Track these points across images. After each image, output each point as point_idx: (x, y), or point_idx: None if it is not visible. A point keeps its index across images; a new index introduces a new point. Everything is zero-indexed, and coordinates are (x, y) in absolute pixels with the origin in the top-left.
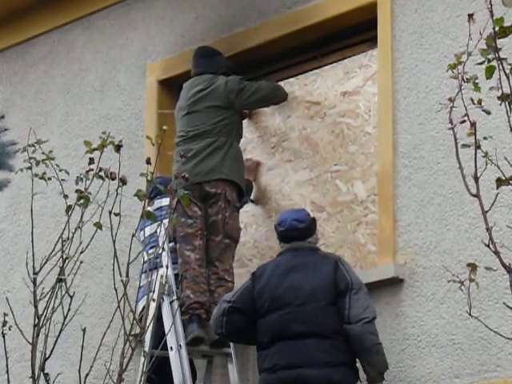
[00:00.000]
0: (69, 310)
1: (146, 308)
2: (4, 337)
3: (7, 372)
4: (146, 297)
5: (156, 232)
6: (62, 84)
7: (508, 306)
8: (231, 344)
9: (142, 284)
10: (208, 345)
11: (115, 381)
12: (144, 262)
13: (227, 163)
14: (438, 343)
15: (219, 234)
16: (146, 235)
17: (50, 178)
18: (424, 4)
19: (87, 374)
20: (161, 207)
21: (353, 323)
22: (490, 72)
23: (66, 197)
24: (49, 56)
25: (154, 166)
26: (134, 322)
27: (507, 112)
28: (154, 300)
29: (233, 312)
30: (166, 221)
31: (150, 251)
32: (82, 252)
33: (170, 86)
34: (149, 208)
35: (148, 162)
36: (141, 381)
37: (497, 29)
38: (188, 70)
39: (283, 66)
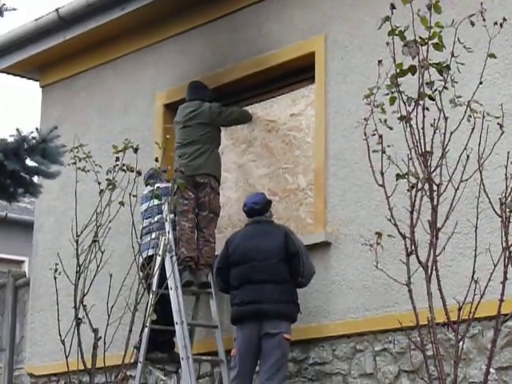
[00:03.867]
0: (100, 261)
1: (153, 260)
2: (56, 279)
3: (57, 303)
4: (146, 250)
5: (152, 210)
6: (97, 106)
7: (402, 262)
8: (212, 285)
9: (142, 242)
10: (196, 286)
11: (132, 310)
12: (142, 228)
13: (210, 162)
14: (355, 287)
15: (206, 210)
16: (142, 210)
17: (88, 170)
18: (347, 53)
19: (112, 306)
20: (162, 188)
21: (305, 277)
22: (392, 101)
23: (99, 183)
24: (88, 87)
25: (161, 163)
26: (144, 270)
27: (404, 128)
28: (159, 255)
29: (219, 271)
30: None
31: (146, 221)
32: (110, 221)
33: (172, 109)
34: (149, 188)
35: (156, 160)
36: (149, 310)
37: (398, 70)
38: (183, 98)
39: (250, 95)
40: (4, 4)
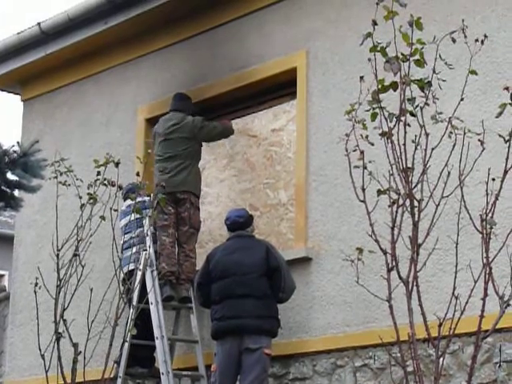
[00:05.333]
0: (81, 275)
1: (134, 274)
2: (36, 293)
3: (37, 318)
4: (127, 265)
5: (129, 224)
6: (79, 120)
7: (383, 277)
8: (193, 300)
9: (123, 256)
10: (177, 301)
11: (112, 324)
12: (123, 243)
13: (190, 179)
14: (335, 302)
15: (186, 225)
16: (121, 225)
17: (69, 184)
18: (328, 70)
19: (93, 320)
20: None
21: (286, 292)
22: (374, 117)
23: (80, 198)
24: (69, 101)
25: (142, 177)
26: (124, 284)
27: (385, 144)
28: (140, 270)
29: (200, 286)
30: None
31: (126, 236)
32: (91, 235)
33: (153, 123)
34: (129, 202)
35: (137, 174)
36: (129, 325)
37: (379, 86)
38: (165, 113)
39: (232, 110)
40: None
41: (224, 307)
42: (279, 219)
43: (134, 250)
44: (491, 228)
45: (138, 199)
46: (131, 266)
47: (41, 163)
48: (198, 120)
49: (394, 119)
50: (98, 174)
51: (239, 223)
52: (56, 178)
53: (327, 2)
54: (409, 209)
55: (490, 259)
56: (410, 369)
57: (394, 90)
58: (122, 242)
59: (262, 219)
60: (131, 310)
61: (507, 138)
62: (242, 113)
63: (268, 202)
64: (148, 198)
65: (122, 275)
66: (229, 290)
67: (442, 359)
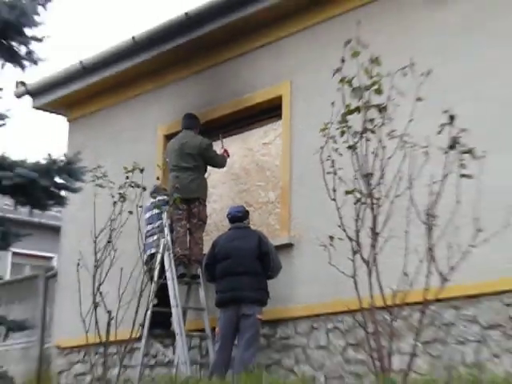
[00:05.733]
0: (113, 257)
1: (155, 257)
2: (78, 272)
3: (79, 291)
4: (150, 249)
5: (153, 217)
6: (111, 136)
7: (350, 259)
8: (201, 277)
9: (146, 242)
10: (188, 278)
11: (137, 296)
12: (146, 232)
13: (199, 188)
14: (312, 279)
15: (195, 219)
16: (146, 218)
17: (104, 186)
18: (308, 96)
19: (123, 293)
20: (162, 200)
21: (274, 271)
22: (342, 133)
23: (112, 197)
24: (104, 121)
25: (161, 181)
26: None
27: (351, 155)
28: (159, 253)
29: (207, 266)
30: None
31: (149, 226)
32: (121, 226)
33: (169, 138)
34: (152, 200)
35: (157, 178)
36: (151, 296)
37: (346, 110)
38: (179, 131)
39: (231, 128)
40: (36, 54)
41: (226, 282)
42: (268, 214)
43: (155, 237)
44: (433, 220)
45: (159, 198)
46: (153, 250)
47: (82, 170)
48: (204, 142)
49: (358, 135)
50: (126, 178)
51: (238, 217)
52: (94, 181)
53: (306, 43)
54: (369, 205)
55: (432, 244)
56: (370, 330)
57: (358, 113)
58: (145, 231)
59: (255, 214)
60: (153, 284)
61: (445, 150)
62: (239, 130)
63: (260, 200)
64: (166, 197)
65: (145, 257)
66: (229, 269)
67: (395, 322)
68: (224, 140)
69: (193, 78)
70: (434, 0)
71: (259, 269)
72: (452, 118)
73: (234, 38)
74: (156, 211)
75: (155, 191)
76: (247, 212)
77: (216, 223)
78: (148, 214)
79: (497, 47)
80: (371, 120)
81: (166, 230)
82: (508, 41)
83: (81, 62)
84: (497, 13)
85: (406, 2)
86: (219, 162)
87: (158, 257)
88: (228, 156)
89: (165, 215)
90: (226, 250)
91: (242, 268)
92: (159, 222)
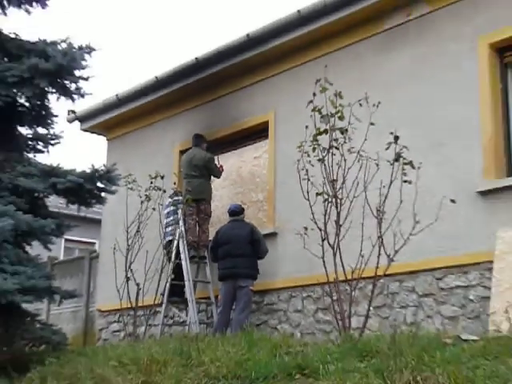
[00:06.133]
0: (141, 243)
1: (172, 243)
2: (114, 254)
3: (115, 268)
4: (168, 237)
5: (170, 212)
6: (140, 152)
7: (319, 244)
8: (207, 258)
9: (165, 231)
10: (198, 258)
11: (159, 272)
12: (165, 224)
13: (206, 192)
14: (291, 259)
15: (202, 214)
16: (165, 213)
17: (134, 189)
18: (288, 122)
19: (148, 269)
20: (177, 200)
21: (262, 254)
22: (314, 149)
23: (140, 197)
24: (134, 140)
25: (177, 185)
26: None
27: (321, 166)
28: (176, 239)
29: (212, 249)
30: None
31: (167, 219)
32: (147, 219)
33: (183, 153)
34: (169, 200)
35: (174, 183)
36: (170, 272)
37: (317, 132)
38: (189, 147)
39: (230, 146)
40: (83, 90)
41: (226, 262)
42: (258, 210)
43: (172, 228)
44: (382, 215)
45: (175, 198)
46: (170, 238)
47: (117, 177)
48: (207, 156)
49: (326, 151)
50: (151, 183)
51: (235, 212)
52: (126, 185)
53: (287, 82)
54: (334, 204)
55: (381, 233)
56: (335, 298)
57: (326, 134)
58: (164, 223)
59: (249, 210)
60: (170, 264)
61: (391, 162)
62: (236, 147)
63: (251, 200)
64: (181, 198)
65: (164, 243)
66: (229, 251)
67: (353, 292)
68: (223, 155)
69: (201, 108)
70: (382, 51)
71: (251, 252)
72: (396, 138)
73: (233, 77)
74: (173, 208)
75: (174, 194)
76: (243, 209)
77: (218, 217)
78: (167, 210)
79: (428, 87)
80: (336, 139)
81: (181, 223)
82: (436, 82)
83: (117, 95)
84: (428, 61)
85: (362, 51)
86: (216, 173)
87: (175, 243)
88: (223, 170)
89: (179, 211)
90: (227, 237)
91: (238, 251)
92: (175, 216)
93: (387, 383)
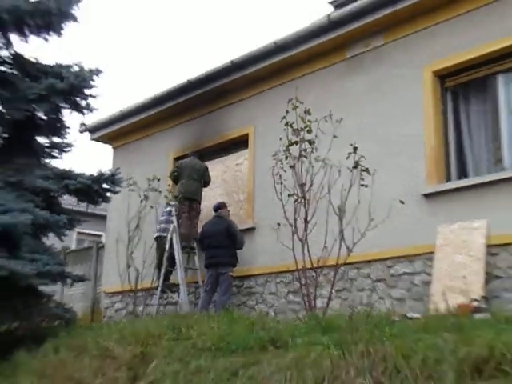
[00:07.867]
0: (140, 236)
1: (167, 235)
2: (117, 244)
3: (117, 257)
4: (159, 232)
5: (164, 213)
6: (140, 158)
7: (290, 238)
8: (196, 248)
9: (157, 228)
10: (188, 248)
11: (156, 260)
12: (160, 221)
13: (199, 193)
14: (267, 251)
15: (194, 211)
16: (159, 213)
17: (134, 190)
18: (265, 134)
19: (146, 258)
20: (170, 210)
21: (239, 245)
22: (286, 158)
23: (140, 197)
24: (136, 149)
25: (171, 187)
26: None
27: (292, 172)
28: (170, 233)
29: (199, 241)
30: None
31: (162, 218)
32: (145, 215)
33: (177, 160)
34: (164, 210)
35: (169, 185)
36: (164, 260)
37: (289, 143)
38: (183, 155)
39: (216, 154)
40: (92, 106)
41: (209, 252)
42: (239, 208)
43: (161, 226)
44: (343, 213)
45: (168, 208)
46: (157, 234)
47: (120, 179)
48: (205, 165)
49: (296, 159)
50: (149, 185)
51: (217, 208)
52: (128, 187)
53: (263, 101)
54: (303, 204)
55: (342, 229)
56: (303, 282)
57: (296, 145)
58: (159, 220)
59: (232, 208)
60: (165, 253)
61: (351, 169)
62: (221, 155)
63: (235, 199)
64: (173, 209)
65: (156, 235)
66: (210, 243)
67: (318, 278)
68: (210, 162)
69: (192, 122)
70: (344, 75)
71: (229, 243)
72: (355, 149)
73: (219, 97)
74: (167, 209)
75: (167, 204)
76: (224, 205)
77: (206, 214)
78: (162, 211)
79: (382, 106)
80: (305, 149)
81: (174, 218)
82: (388, 103)
83: (121, 111)
84: (382, 85)
85: (328, 74)
86: (209, 181)
87: (168, 236)
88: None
89: (173, 209)
90: (209, 231)
91: (218, 243)
92: (167, 217)
93: (345, 353)
